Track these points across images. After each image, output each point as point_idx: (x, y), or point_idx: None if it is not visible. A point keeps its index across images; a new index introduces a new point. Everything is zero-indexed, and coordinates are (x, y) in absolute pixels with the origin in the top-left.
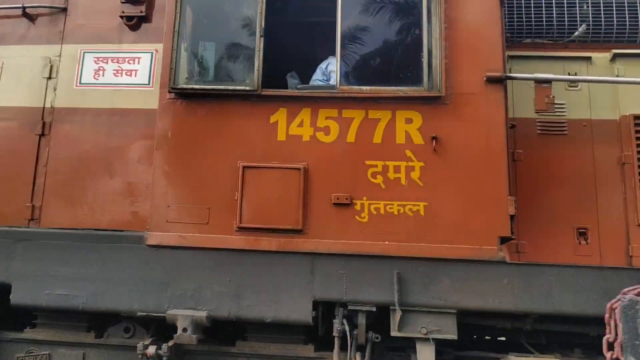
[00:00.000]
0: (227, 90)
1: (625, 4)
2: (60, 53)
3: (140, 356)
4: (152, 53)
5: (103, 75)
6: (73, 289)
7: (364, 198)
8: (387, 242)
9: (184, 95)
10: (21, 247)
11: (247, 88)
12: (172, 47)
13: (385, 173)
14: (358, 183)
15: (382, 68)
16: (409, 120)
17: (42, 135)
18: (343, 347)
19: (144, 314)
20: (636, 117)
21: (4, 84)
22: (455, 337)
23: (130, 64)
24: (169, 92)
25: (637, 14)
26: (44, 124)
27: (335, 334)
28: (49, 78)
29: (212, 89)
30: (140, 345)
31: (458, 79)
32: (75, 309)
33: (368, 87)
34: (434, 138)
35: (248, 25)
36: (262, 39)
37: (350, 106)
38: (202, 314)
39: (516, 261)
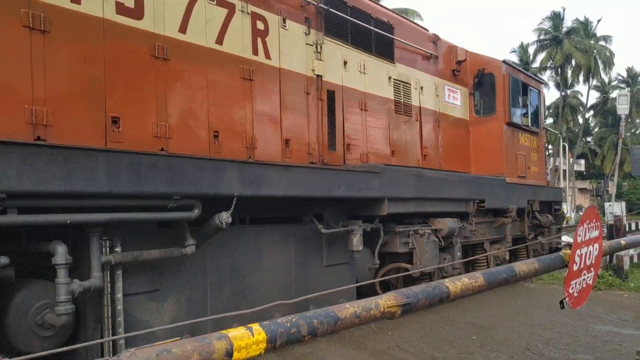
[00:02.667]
0: (518, 124)
1: None
2: (437, 82)
3: None
4: (460, 90)
5: (449, 98)
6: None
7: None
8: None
9: (508, 124)
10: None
11: (522, 125)
12: (509, 104)
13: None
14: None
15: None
16: (500, 127)
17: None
18: None
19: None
20: None
21: (425, 98)
22: None
23: (454, 93)
24: (507, 123)
25: None
26: (438, 121)
27: None
28: (437, 95)
29: (516, 123)
30: None
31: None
32: None
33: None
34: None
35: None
36: (529, 118)
37: (523, 134)
38: None
39: None
